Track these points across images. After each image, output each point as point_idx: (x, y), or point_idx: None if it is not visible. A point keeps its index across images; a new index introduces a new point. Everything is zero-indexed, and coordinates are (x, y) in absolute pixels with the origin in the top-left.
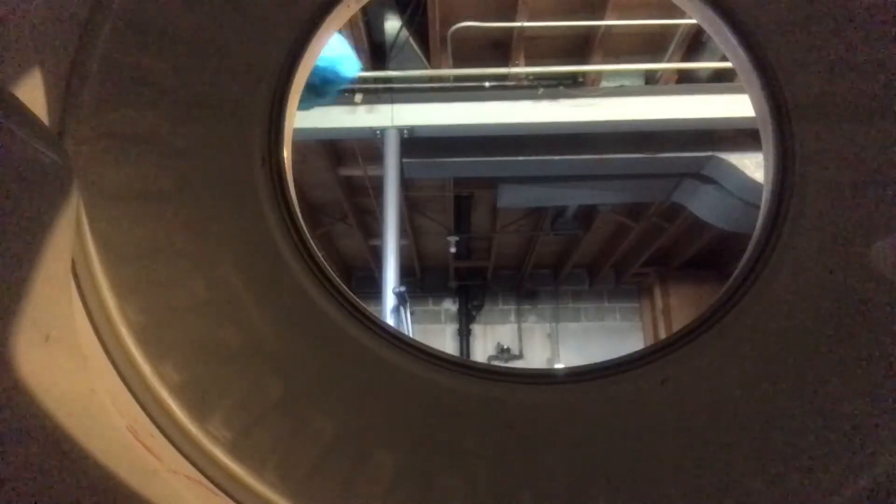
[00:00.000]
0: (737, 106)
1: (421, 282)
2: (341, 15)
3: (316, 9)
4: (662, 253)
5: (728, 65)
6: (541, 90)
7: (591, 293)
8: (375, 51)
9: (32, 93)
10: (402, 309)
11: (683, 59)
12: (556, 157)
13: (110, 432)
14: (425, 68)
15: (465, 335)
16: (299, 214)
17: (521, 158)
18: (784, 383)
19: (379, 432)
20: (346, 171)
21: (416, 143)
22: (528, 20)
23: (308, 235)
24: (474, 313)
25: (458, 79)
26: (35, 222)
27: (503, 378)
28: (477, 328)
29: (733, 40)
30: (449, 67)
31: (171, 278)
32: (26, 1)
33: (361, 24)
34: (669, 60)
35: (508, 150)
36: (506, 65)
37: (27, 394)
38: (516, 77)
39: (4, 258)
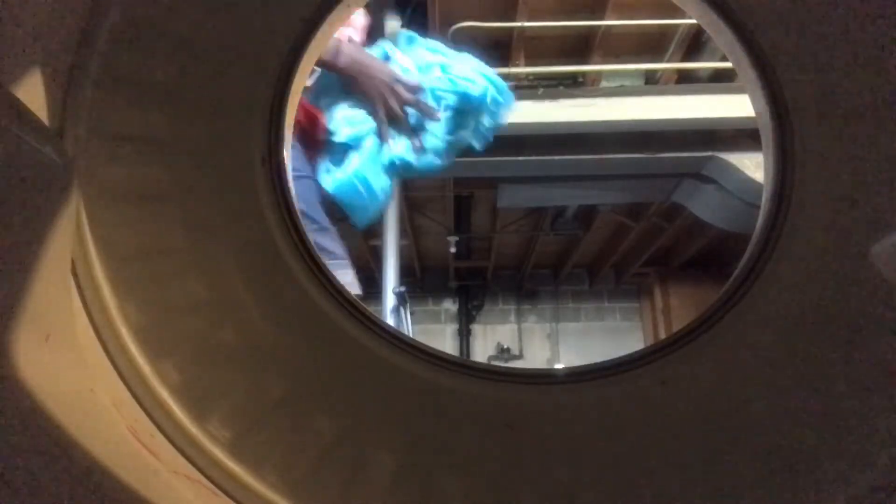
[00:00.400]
0: (737, 106)
1: (421, 282)
2: (341, 15)
3: (316, 9)
4: (662, 253)
5: (728, 65)
6: (541, 90)
7: (591, 293)
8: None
9: (32, 93)
10: (402, 309)
11: (683, 59)
12: (556, 157)
13: (110, 432)
14: None
15: (465, 335)
16: (299, 214)
17: (521, 158)
18: (784, 383)
19: (379, 432)
20: None
21: None
22: (528, 20)
23: (308, 235)
24: (474, 313)
25: None
26: (35, 222)
27: (503, 378)
28: (477, 328)
29: (733, 40)
30: None
31: (171, 278)
32: (27, 1)
33: None
34: (669, 60)
35: (508, 150)
36: (506, 65)
37: (27, 394)
38: (516, 77)
39: (4, 258)
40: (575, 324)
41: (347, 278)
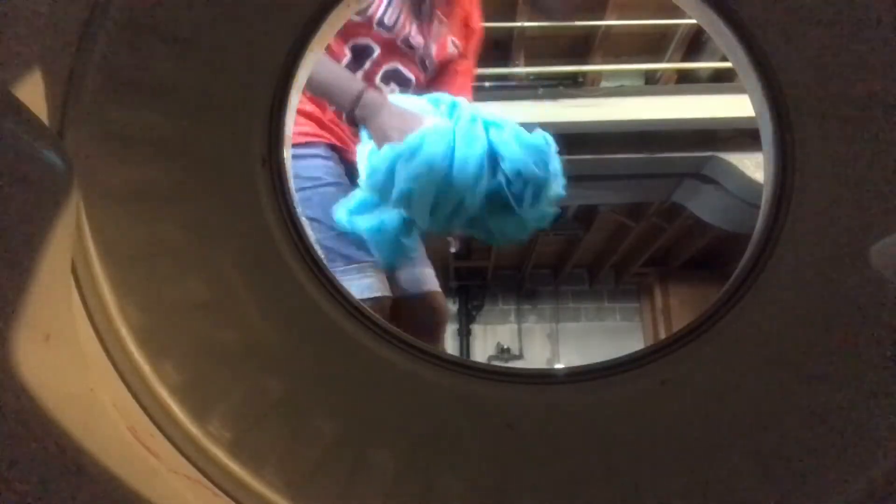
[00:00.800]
0: (737, 106)
1: None
2: (341, 15)
3: (316, 9)
4: (662, 253)
5: (728, 65)
6: (541, 90)
7: (591, 293)
8: None
9: (32, 93)
10: None
11: (683, 59)
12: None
13: (110, 432)
14: None
15: (465, 335)
16: (300, 214)
17: None
18: (784, 383)
19: (379, 432)
20: None
21: None
22: (528, 20)
23: (308, 235)
24: (474, 313)
25: None
26: (35, 222)
27: (503, 378)
28: (477, 328)
29: (733, 40)
30: None
31: (171, 278)
32: (27, 1)
33: None
34: (669, 60)
35: None
36: (506, 65)
37: (27, 394)
38: (516, 77)
39: (4, 258)
40: (575, 324)
41: (368, 281)
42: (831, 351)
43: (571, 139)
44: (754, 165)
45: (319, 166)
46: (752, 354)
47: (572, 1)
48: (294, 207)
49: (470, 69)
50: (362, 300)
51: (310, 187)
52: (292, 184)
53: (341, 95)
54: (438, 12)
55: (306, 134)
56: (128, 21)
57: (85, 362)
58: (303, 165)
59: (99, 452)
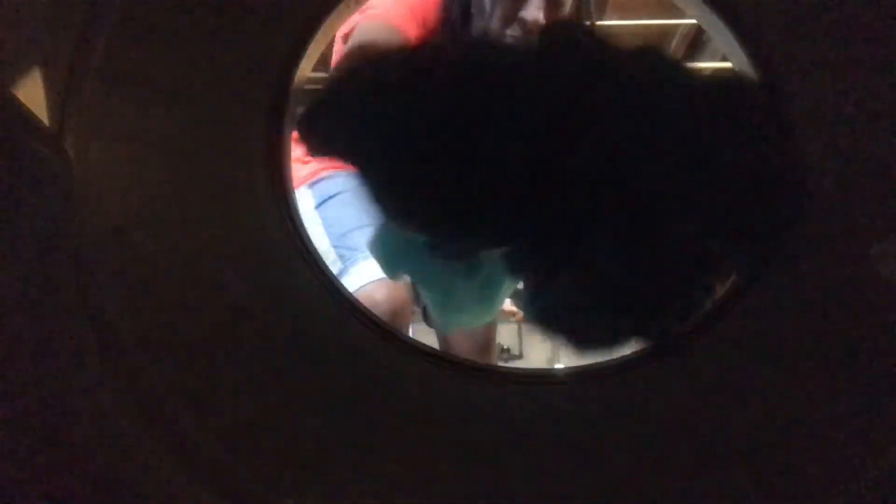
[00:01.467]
0: None
1: None
2: (341, 15)
3: (316, 9)
4: None
5: (728, 65)
6: None
7: None
8: None
9: (32, 93)
10: None
11: (683, 59)
12: None
13: (109, 431)
14: None
15: None
16: (300, 214)
17: None
18: (784, 383)
19: (379, 432)
20: None
21: None
22: None
23: (308, 236)
24: None
25: None
26: (35, 223)
27: (503, 378)
28: None
29: (733, 40)
30: None
31: (172, 279)
32: (27, 1)
33: None
34: None
35: None
36: None
37: (27, 393)
38: None
39: (5, 258)
40: None
41: (372, 264)
42: (832, 351)
43: None
44: None
45: (334, 183)
46: (752, 355)
47: None
48: (294, 207)
49: None
50: (365, 285)
51: (323, 202)
52: (293, 185)
53: None
54: None
55: (329, 167)
56: (128, 21)
57: (84, 362)
58: (323, 184)
59: (99, 453)
